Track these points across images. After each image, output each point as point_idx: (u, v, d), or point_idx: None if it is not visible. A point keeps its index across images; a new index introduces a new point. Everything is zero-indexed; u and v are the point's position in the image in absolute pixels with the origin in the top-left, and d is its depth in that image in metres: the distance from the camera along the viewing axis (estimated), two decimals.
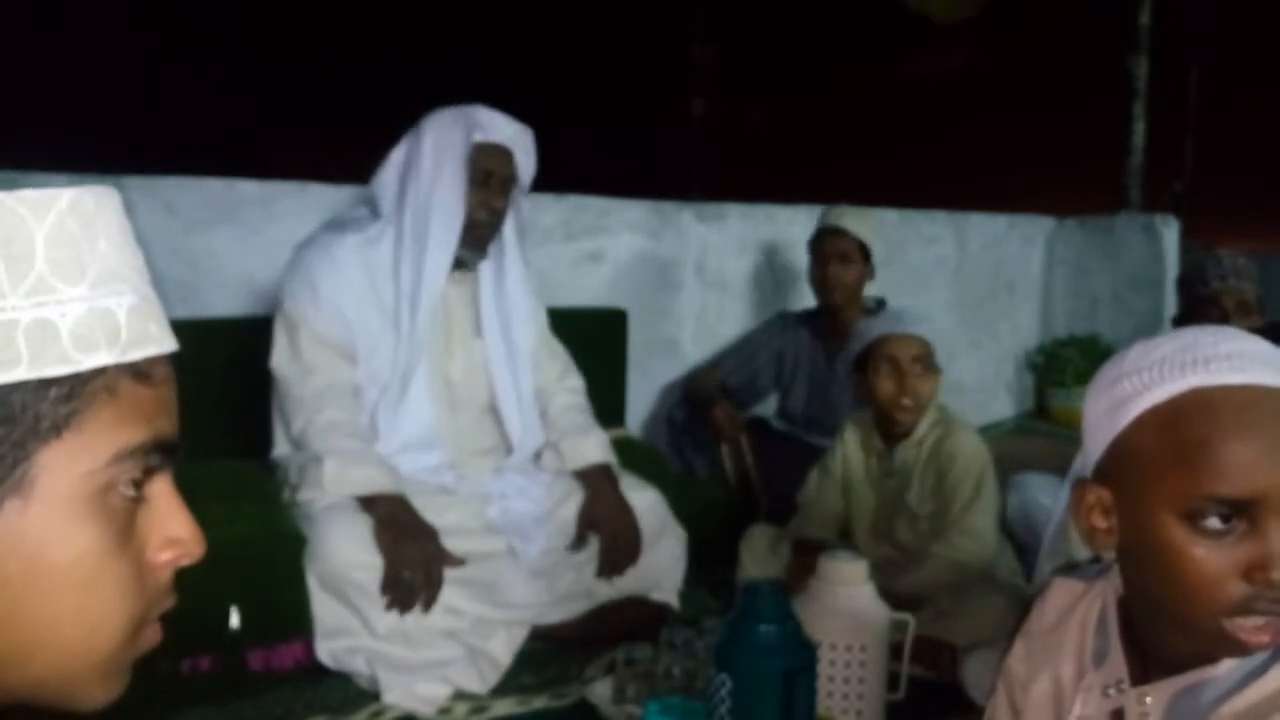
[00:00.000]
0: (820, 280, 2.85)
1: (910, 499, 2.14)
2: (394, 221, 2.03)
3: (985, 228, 4.44)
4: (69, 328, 0.47)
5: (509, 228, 2.12)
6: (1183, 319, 2.54)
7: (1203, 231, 5.24)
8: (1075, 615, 0.90)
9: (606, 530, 2.04)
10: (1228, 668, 0.77)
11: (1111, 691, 0.84)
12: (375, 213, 2.07)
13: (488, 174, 2.00)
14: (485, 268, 2.12)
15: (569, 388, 2.26)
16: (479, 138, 1.99)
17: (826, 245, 2.83)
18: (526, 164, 2.08)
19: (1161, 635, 0.81)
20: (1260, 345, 0.77)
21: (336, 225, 2.08)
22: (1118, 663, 0.84)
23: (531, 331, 2.21)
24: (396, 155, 2.05)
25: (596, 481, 2.10)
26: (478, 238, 2.04)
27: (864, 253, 2.82)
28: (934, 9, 5.30)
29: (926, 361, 2.10)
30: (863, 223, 2.83)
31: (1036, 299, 4.69)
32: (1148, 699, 0.81)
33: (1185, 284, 2.60)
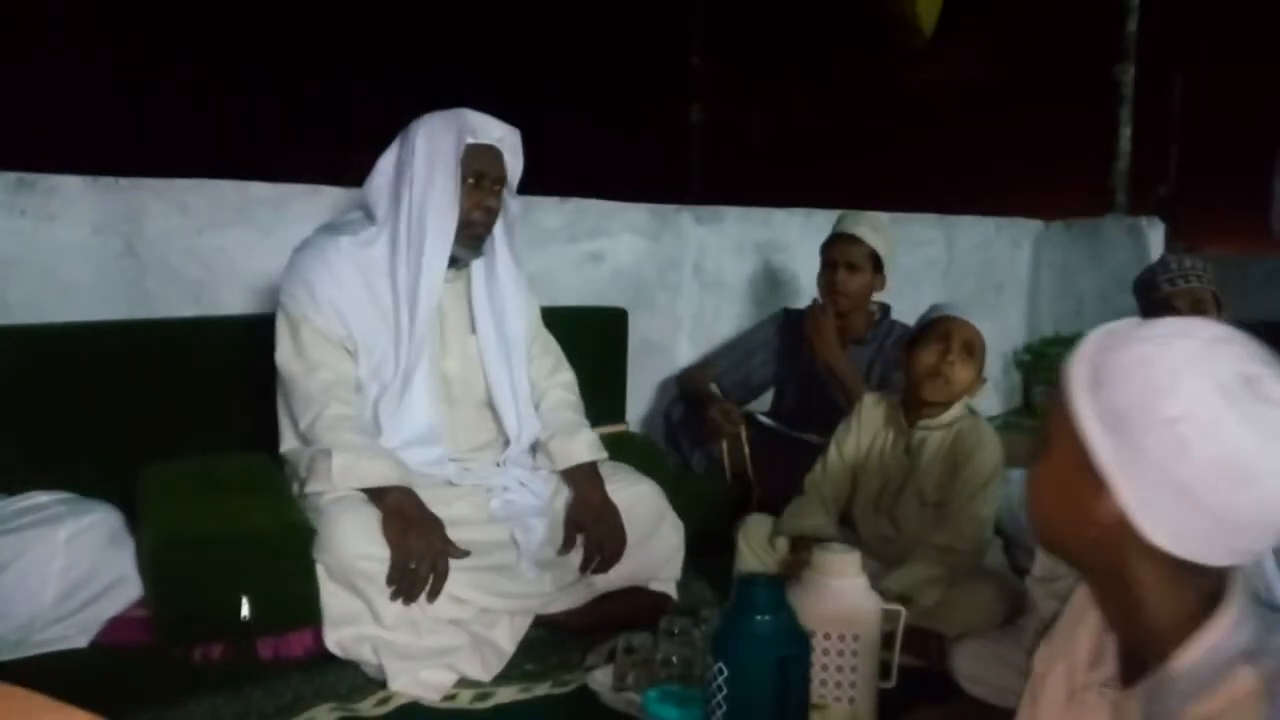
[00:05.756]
0: (827, 285, 2.79)
1: (921, 482, 2.13)
2: (389, 225, 2.04)
3: (974, 230, 4.48)
4: None
5: (498, 226, 2.14)
6: None
7: (1187, 234, 5.30)
8: (1091, 615, 0.92)
9: (591, 530, 2.06)
10: (1188, 665, 0.78)
11: (1105, 690, 0.86)
12: (369, 217, 2.09)
13: (480, 175, 2.03)
14: (477, 265, 2.14)
15: (561, 383, 2.27)
16: (470, 140, 2.01)
17: (836, 251, 2.76)
18: (515, 164, 2.11)
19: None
20: None
21: (330, 228, 2.11)
22: (1110, 661, 0.87)
23: (524, 324, 2.24)
24: (387, 161, 2.06)
25: (581, 481, 2.11)
26: (473, 236, 2.06)
27: (875, 261, 2.75)
28: (924, 24, 5.35)
29: (971, 349, 2.10)
30: (877, 232, 2.75)
31: (1024, 299, 4.73)
32: (1132, 699, 0.82)
33: (1139, 292, 2.54)
